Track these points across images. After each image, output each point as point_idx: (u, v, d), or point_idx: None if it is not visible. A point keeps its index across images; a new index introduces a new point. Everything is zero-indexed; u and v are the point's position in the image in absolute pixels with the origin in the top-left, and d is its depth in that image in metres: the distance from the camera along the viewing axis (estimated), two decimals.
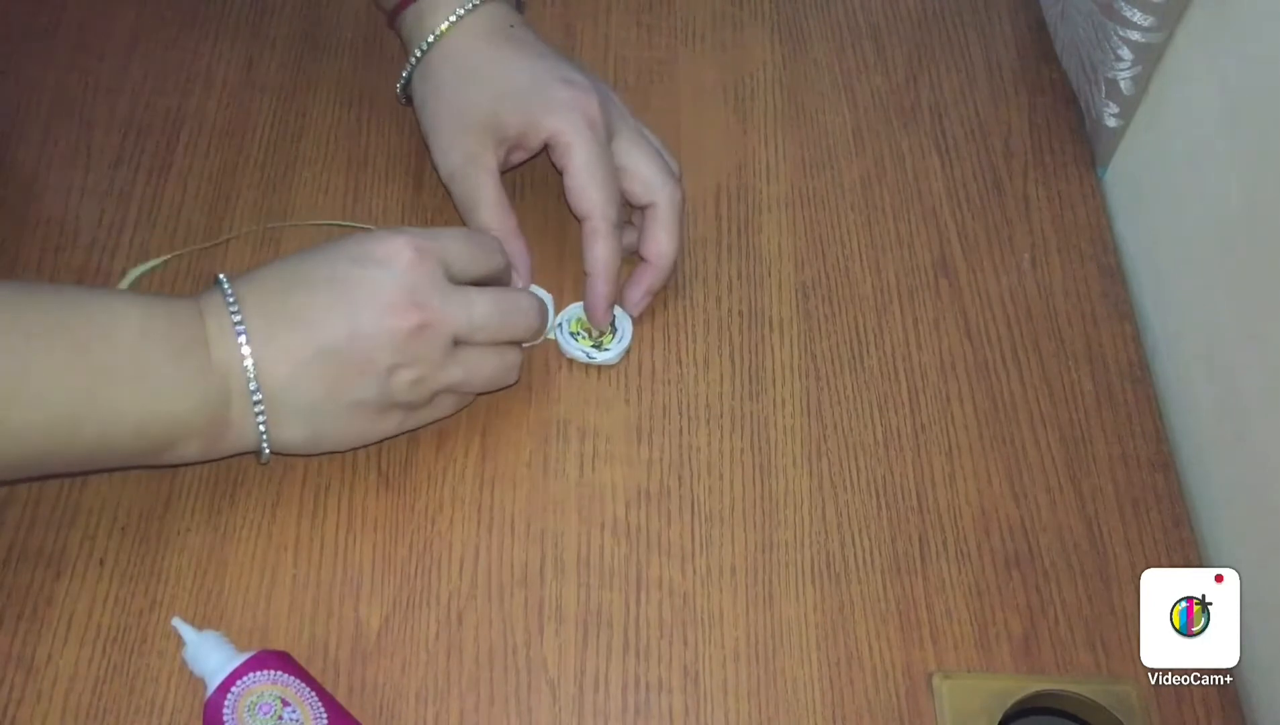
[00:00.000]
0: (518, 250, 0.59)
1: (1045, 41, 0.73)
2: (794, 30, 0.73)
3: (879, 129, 0.69)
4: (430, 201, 0.64)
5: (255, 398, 0.50)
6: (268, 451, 0.52)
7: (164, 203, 0.63)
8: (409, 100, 0.63)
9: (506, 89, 0.58)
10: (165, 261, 0.60)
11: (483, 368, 0.54)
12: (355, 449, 0.55)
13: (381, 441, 0.55)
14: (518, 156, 0.61)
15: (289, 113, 0.67)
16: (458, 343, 0.52)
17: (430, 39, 0.59)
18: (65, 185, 0.63)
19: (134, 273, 0.60)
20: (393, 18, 0.62)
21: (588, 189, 0.57)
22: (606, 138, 0.58)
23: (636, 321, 0.60)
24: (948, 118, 0.70)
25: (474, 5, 0.59)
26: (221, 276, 0.51)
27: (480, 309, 0.53)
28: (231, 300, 0.50)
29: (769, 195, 0.66)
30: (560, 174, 0.58)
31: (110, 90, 0.67)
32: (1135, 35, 0.62)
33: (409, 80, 0.62)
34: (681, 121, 0.69)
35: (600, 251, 0.57)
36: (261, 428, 0.50)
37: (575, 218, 0.58)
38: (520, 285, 0.59)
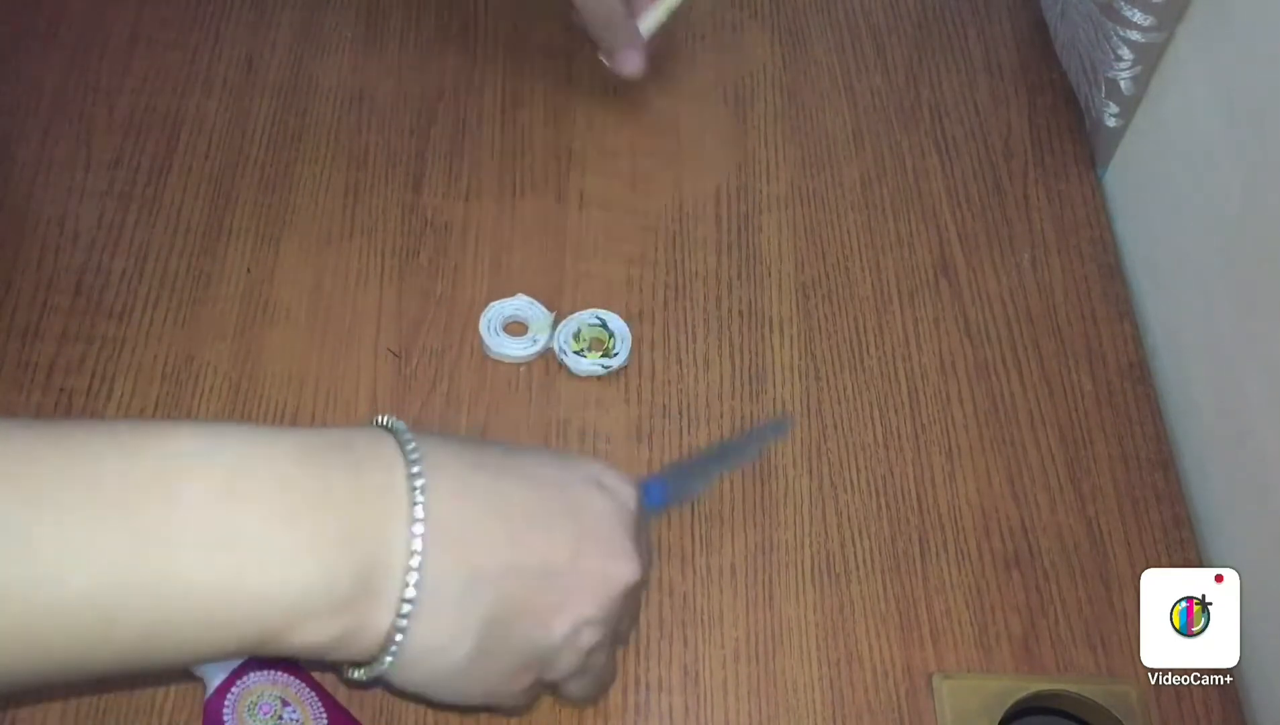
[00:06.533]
0: (637, 33, 0.64)
1: (1045, 41, 0.73)
2: (794, 30, 0.73)
3: (879, 129, 0.69)
4: (430, 201, 0.64)
5: (407, 596, 0.37)
6: (360, 673, 0.39)
7: (164, 203, 0.63)
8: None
9: None
10: None
11: (609, 661, 0.46)
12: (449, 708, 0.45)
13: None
14: None
15: (289, 113, 0.67)
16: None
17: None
18: (65, 185, 0.63)
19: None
20: None
21: None
22: None
23: (636, 321, 0.60)
24: (948, 118, 0.70)
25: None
26: (388, 420, 0.40)
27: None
28: (413, 450, 0.38)
29: (769, 195, 0.66)
30: None
31: (110, 90, 0.67)
32: (1135, 35, 0.62)
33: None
34: (681, 121, 0.69)
35: None
36: (398, 638, 0.37)
37: None
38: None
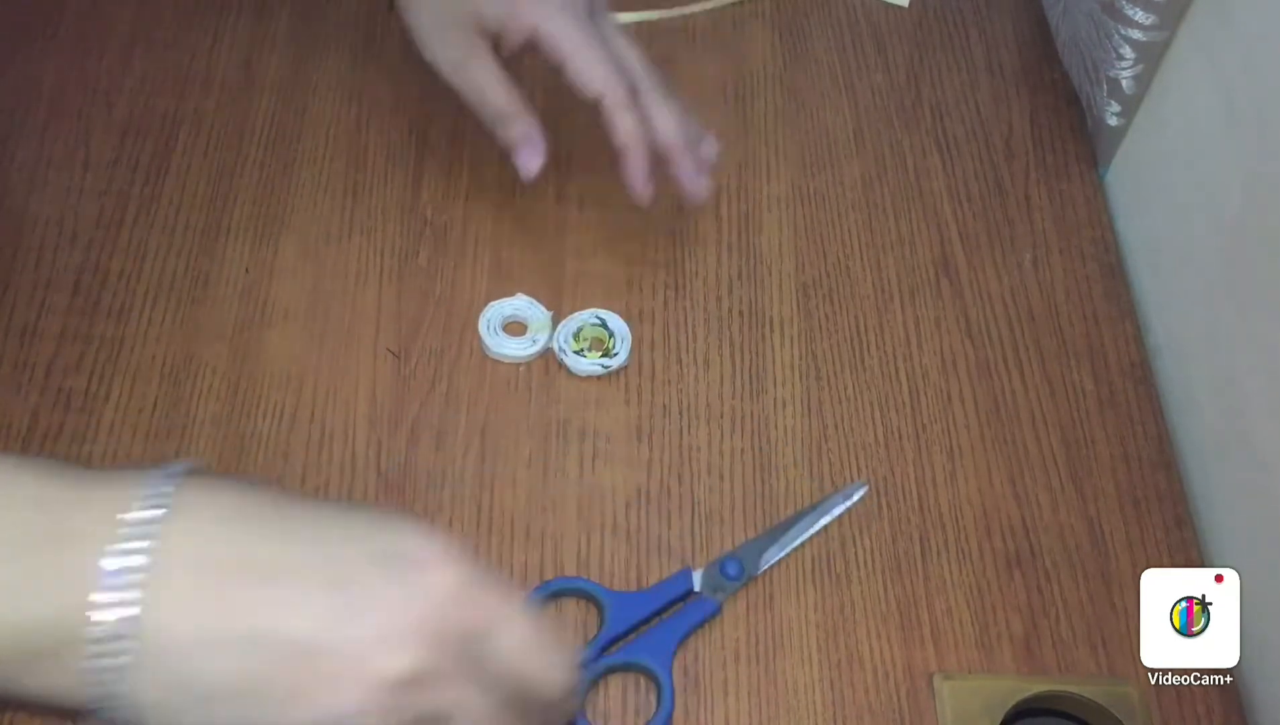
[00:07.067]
0: (531, 124, 0.57)
1: (1046, 40, 0.73)
2: (794, 29, 0.73)
3: (880, 128, 0.69)
4: (430, 200, 0.64)
5: (120, 649, 0.33)
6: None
7: (162, 202, 0.63)
8: (392, 4, 0.59)
9: None
10: None
11: None
12: None
13: None
14: (505, 50, 0.57)
15: (289, 113, 0.67)
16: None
17: None
18: (65, 185, 0.63)
19: None
20: None
21: (591, 67, 0.55)
22: (588, 18, 0.56)
23: (636, 321, 0.60)
24: (949, 117, 0.70)
25: None
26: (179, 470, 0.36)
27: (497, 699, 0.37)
28: (163, 493, 0.34)
29: (769, 194, 0.66)
30: (559, 73, 0.56)
31: (109, 90, 0.67)
32: (1137, 34, 0.62)
33: None
34: None
35: (626, 123, 0.55)
36: (116, 690, 0.33)
37: (588, 101, 0.56)
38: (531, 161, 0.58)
